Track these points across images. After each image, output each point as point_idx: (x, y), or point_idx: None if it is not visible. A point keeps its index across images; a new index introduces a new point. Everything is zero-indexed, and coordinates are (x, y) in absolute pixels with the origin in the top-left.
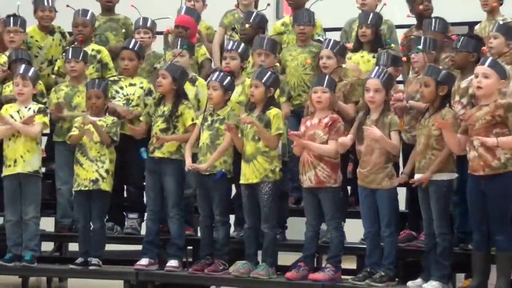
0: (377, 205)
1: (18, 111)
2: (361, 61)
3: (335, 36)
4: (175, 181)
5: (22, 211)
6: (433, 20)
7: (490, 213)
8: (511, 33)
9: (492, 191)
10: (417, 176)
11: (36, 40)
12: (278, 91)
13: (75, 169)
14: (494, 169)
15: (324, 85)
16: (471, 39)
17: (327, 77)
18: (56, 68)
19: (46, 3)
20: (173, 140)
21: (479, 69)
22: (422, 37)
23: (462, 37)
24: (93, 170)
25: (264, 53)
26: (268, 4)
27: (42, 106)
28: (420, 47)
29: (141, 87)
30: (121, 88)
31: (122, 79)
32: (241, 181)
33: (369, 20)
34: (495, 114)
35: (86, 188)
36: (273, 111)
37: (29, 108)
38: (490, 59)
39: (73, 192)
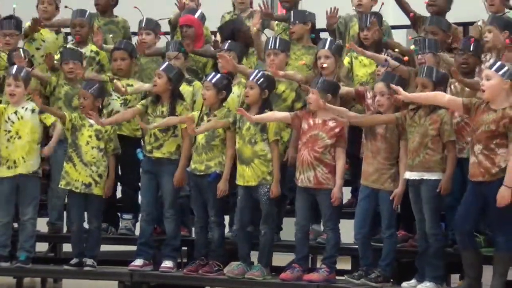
0: (373, 207)
1: (15, 112)
2: (368, 63)
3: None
4: (173, 182)
5: (20, 212)
6: (431, 16)
7: (491, 215)
8: (504, 24)
9: (494, 194)
10: (408, 174)
11: (41, 33)
12: (292, 95)
13: (65, 166)
14: (493, 176)
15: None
16: (479, 43)
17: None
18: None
19: None
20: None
21: (483, 72)
22: (418, 39)
23: (476, 42)
24: (86, 174)
25: (273, 52)
26: (259, 5)
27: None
28: (413, 47)
29: None
30: None
31: (116, 79)
32: (239, 183)
33: (369, 22)
34: (500, 123)
35: (78, 190)
36: None
37: (26, 108)
38: (492, 61)
39: (59, 189)
